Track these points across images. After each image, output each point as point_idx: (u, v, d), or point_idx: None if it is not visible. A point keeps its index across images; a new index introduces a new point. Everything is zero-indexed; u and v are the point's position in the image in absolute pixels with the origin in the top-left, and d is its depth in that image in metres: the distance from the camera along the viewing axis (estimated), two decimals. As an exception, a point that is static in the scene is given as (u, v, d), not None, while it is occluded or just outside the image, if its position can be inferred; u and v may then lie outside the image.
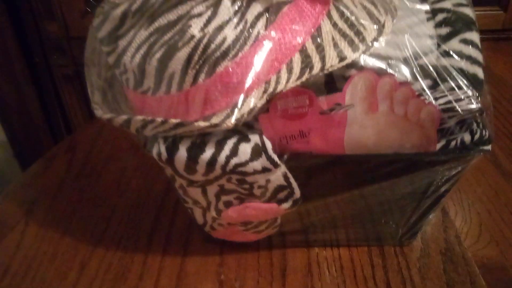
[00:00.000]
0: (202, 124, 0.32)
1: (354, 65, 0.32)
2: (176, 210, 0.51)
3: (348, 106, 0.31)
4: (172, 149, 0.33)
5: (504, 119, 0.68)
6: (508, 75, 0.85)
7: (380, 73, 0.32)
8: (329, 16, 0.34)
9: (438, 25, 0.35)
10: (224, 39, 0.31)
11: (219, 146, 0.33)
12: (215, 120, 0.33)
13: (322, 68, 0.32)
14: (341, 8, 0.34)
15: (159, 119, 0.32)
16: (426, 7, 0.36)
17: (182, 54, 0.31)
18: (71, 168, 0.59)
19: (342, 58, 0.31)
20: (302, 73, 0.32)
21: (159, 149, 0.34)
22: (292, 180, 0.34)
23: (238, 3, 0.32)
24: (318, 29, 0.33)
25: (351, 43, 0.32)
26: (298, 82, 0.31)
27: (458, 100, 0.32)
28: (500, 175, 0.55)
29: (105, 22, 0.32)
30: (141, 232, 0.48)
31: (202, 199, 0.37)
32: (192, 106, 0.34)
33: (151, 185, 0.55)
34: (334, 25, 0.33)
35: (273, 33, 0.32)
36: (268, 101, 0.32)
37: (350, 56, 0.31)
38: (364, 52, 0.31)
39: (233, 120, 0.31)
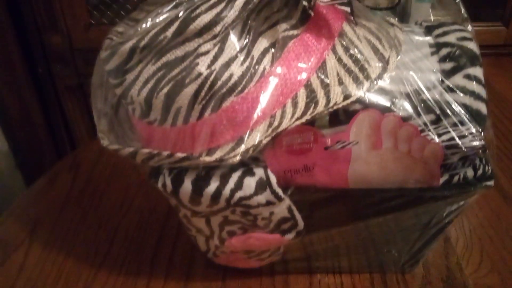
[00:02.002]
0: (207, 159, 0.32)
1: (358, 100, 0.32)
2: (179, 232, 0.51)
3: (352, 143, 0.32)
4: (177, 182, 0.34)
5: (505, 139, 0.68)
6: (509, 92, 0.85)
7: (384, 111, 0.32)
8: (334, 51, 0.34)
9: (442, 59, 0.35)
10: (231, 76, 0.31)
11: (224, 179, 0.33)
12: (220, 153, 0.33)
13: (327, 104, 0.32)
14: (346, 42, 0.34)
15: (165, 153, 0.33)
16: (430, 40, 0.37)
17: (189, 90, 0.31)
18: (74, 186, 0.59)
19: (346, 96, 0.32)
20: (307, 107, 0.32)
21: (164, 181, 0.34)
22: (296, 212, 0.35)
23: (245, 39, 0.33)
24: (323, 64, 0.34)
25: (355, 79, 0.33)
26: (303, 120, 0.31)
27: (462, 136, 0.33)
28: (502, 199, 0.55)
29: (113, 56, 0.33)
30: (144, 255, 0.48)
31: (206, 229, 0.38)
32: (198, 139, 0.34)
33: (154, 205, 0.55)
34: (339, 60, 0.34)
35: (278, 69, 0.33)
36: (273, 137, 0.32)
37: (355, 93, 0.32)
38: (368, 90, 0.32)
39: (238, 157, 0.31)
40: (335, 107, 0.31)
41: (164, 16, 0.34)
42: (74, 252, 0.49)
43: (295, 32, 0.34)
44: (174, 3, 0.35)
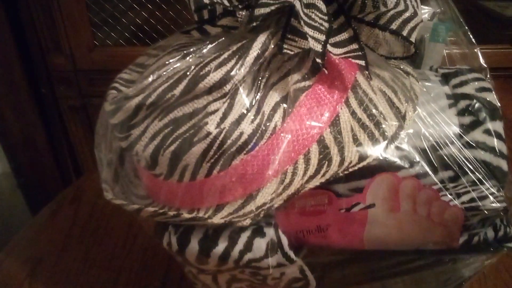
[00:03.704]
0: (216, 221, 0.31)
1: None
2: (184, 275, 0.49)
3: (369, 206, 0.30)
4: (183, 241, 0.32)
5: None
6: (520, 117, 0.83)
7: (400, 170, 0.31)
8: (348, 104, 0.33)
9: (461, 113, 0.34)
10: (241, 134, 0.30)
11: (233, 240, 0.32)
12: (228, 210, 0.32)
13: (342, 163, 0.31)
14: (360, 95, 0.33)
15: (171, 213, 0.31)
16: (447, 90, 0.35)
17: (197, 149, 0.30)
18: (76, 221, 0.58)
19: (362, 157, 0.30)
20: (320, 165, 0.31)
21: (170, 239, 0.33)
22: (308, 272, 0.33)
23: (255, 93, 0.31)
24: (337, 119, 0.32)
25: (371, 136, 0.31)
26: (317, 183, 0.30)
27: (482, 197, 0.31)
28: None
29: (118, 111, 0.31)
30: (148, 299, 0.47)
31: (213, 285, 0.36)
32: (205, 196, 0.32)
33: (158, 244, 0.53)
34: (353, 114, 0.32)
35: (290, 125, 0.31)
36: (286, 200, 0.30)
37: (371, 154, 0.30)
38: (385, 150, 0.30)
39: (248, 220, 0.30)
40: (350, 169, 0.30)
41: (172, 68, 0.33)
42: (76, 295, 0.47)
43: (306, 83, 0.33)
44: (182, 53, 0.34)
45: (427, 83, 0.36)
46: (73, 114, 1.01)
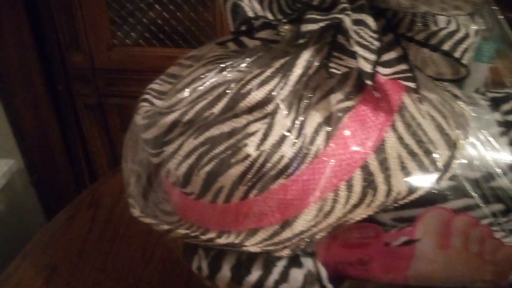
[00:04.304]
0: (252, 249, 0.29)
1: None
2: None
3: (417, 241, 0.28)
4: (214, 267, 0.31)
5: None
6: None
7: (451, 205, 0.29)
8: (394, 128, 0.31)
9: (513, 142, 0.32)
10: (282, 158, 0.28)
11: (267, 268, 0.30)
12: (262, 235, 0.30)
13: (388, 192, 0.29)
14: (407, 119, 0.31)
15: (204, 237, 0.30)
16: (498, 117, 0.33)
17: (234, 171, 0.28)
18: (94, 228, 0.56)
19: (412, 189, 0.28)
20: (364, 193, 0.29)
21: (200, 264, 0.31)
22: (344, 305, 0.31)
23: (295, 112, 0.30)
24: (382, 143, 0.30)
25: (421, 165, 0.29)
26: (364, 214, 0.28)
27: (537, 235, 0.29)
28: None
29: (151, 127, 0.30)
30: (167, 316, 0.45)
31: (242, 310, 0.34)
32: (238, 219, 0.31)
33: (176, 255, 0.52)
34: (400, 139, 0.30)
35: (333, 149, 0.29)
36: (330, 232, 0.29)
37: (422, 185, 0.28)
38: (437, 182, 0.28)
39: (287, 250, 0.28)
40: (400, 202, 0.28)
41: (209, 83, 0.31)
42: (93, 308, 0.46)
43: (349, 103, 0.31)
44: (219, 67, 0.32)
45: (476, 108, 0.34)
46: (89, 113, 1.00)
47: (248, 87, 0.28)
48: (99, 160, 1.07)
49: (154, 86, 0.35)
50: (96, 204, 0.60)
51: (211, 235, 0.31)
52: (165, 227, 0.31)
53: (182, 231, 0.30)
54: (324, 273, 0.29)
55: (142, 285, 0.48)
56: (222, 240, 0.29)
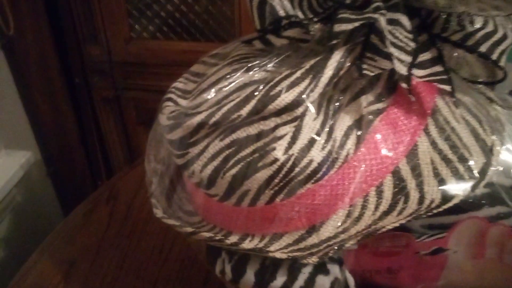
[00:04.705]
0: (278, 255, 0.28)
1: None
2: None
3: (450, 251, 0.27)
4: (238, 272, 0.30)
5: None
6: None
7: (484, 213, 0.27)
8: (427, 132, 0.30)
9: (552, 148, 0.30)
10: (310, 162, 0.27)
11: (293, 274, 0.29)
12: (287, 240, 0.30)
13: (421, 200, 0.28)
14: (441, 122, 0.30)
15: (228, 241, 0.29)
16: (536, 122, 0.32)
17: (261, 176, 0.28)
18: (112, 223, 0.56)
19: (446, 197, 0.27)
20: (395, 200, 0.28)
21: (223, 267, 0.31)
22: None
23: (324, 114, 0.29)
24: (414, 148, 0.29)
25: (455, 172, 0.28)
26: (396, 222, 0.27)
27: None
28: None
29: (176, 128, 0.29)
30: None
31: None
32: (263, 222, 0.30)
33: (195, 253, 0.52)
34: (433, 144, 0.29)
35: (363, 153, 0.28)
36: (360, 240, 0.28)
37: (457, 193, 0.27)
38: (473, 190, 0.27)
39: (315, 258, 0.27)
40: (434, 210, 0.27)
41: (235, 83, 0.30)
42: (111, 305, 0.46)
43: (380, 105, 0.30)
44: (245, 66, 0.31)
45: (509, 110, 0.32)
46: (106, 106, 1.00)
47: (278, 89, 0.27)
48: (115, 153, 1.07)
49: (178, 84, 0.34)
50: (114, 200, 0.60)
51: (234, 238, 0.31)
52: (189, 229, 0.30)
53: (206, 234, 0.30)
54: (352, 281, 0.29)
55: (160, 283, 0.48)
56: (246, 244, 0.29)
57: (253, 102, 0.27)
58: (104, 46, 0.92)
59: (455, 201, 0.26)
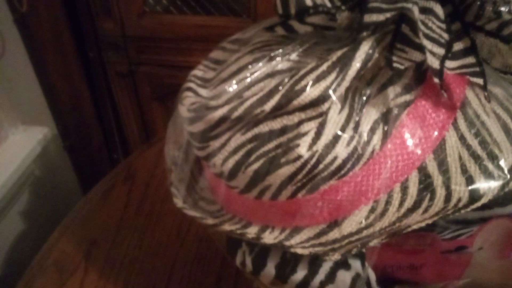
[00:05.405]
0: (300, 251, 0.28)
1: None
2: (239, 272, 0.48)
3: (475, 250, 0.27)
4: (259, 264, 0.30)
5: None
6: None
7: (509, 210, 0.27)
8: (456, 127, 0.28)
9: None
10: (335, 159, 0.27)
11: (313, 268, 0.29)
12: (308, 233, 0.29)
13: (448, 198, 0.27)
14: (470, 116, 0.29)
15: (250, 235, 0.29)
16: None
17: (284, 171, 0.27)
18: (130, 203, 0.57)
19: (474, 196, 0.26)
20: (420, 196, 0.27)
21: (244, 259, 0.31)
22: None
23: (349, 108, 0.28)
24: (442, 143, 0.28)
25: (484, 170, 0.27)
26: (422, 221, 0.26)
27: None
28: None
29: (197, 121, 0.29)
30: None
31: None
32: (284, 216, 0.30)
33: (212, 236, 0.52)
34: (462, 139, 0.28)
35: (390, 148, 0.28)
36: (385, 238, 0.27)
37: (485, 192, 0.26)
38: (502, 189, 0.26)
39: (337, 255, 0.27)
40: (462, 210, 0.26)
41: (258, 73, 0.29)
42: (131, 284, 0.47)
43: (408, 97, 0.29)
44: (268, 56, 0.30)
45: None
46: (120, 80, 1.00)
47: (303, 83, 0.26)
48: (130, 127, 1.07)
49: (197, 72, 0.33)
50: (132, 179, 0.61)
51: (254, 229, 0.31)
52: (210, 221, 0.30)
53: (228, 227, 0.29)
54: (373, 276, 0.28)
55: (179, 263, 0.49)
56: (266, 237, 0.29)
57: (277, 97, 0.26)
58: (118, 21, 0.91)
59: (483, 200, 0.26)
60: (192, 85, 0.32)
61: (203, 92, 0.32)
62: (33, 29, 0.90)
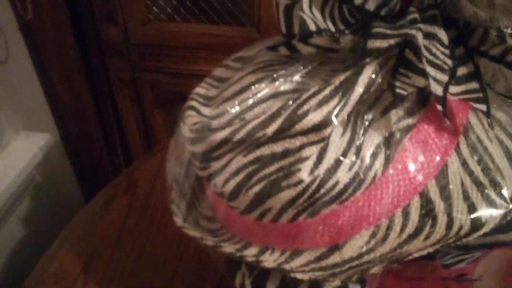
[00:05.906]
0: (299, 276, 0.28)
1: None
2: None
3: (476, 278, 0.26)
4: (258, 287, 0.30)
5: None
6: None
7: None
8: (458, 152, 0.28)
9: None
10: (336, 184, 0.27)
11: (314, 292, 0.29)
12: (308, 256, 0.29)
13: (449, 225, 0.27)
14: (473, 141, 0.29)
15: (249, 258, 0.29)
16: None
17: (285, 195, 0.27)
18: (131, 214, 0.57)
19: (476, 224, 0.26)
20: (421, 222, 0.27)
21: (243, 281, 0.31)
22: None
23: (351, 131, 0.27)
24: (444, 168, 0.28)
25: (486, 197, 0.27)
26: (423, 249, 0.26)
27: None
28: None
29: (199, 141, 0.28)
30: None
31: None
32: (284, 238, 0.30)
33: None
34: (464, 164, 0.28)
35: (392, 173, 0.27)
36: (385, 266, 0.27)
37: (487, 221, 0.26)
38: (504, 217, 0.26)
39: (336, 281, 0.27)
40: (463, 239, 0.26)
41: (261, 95, 0.29)
42: (130, 298, 0.47)
43: (410, 121, 0.28)
44: (271, 77, 0.30)
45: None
46: (123, 87, 1.00)
47: (305, 107, 0.26)
48: (132, 134, 1.07)
49: (200, 90, 0.33)
50: (133, 189, 0.60)
51: (253, 250, 0.31)
52: (210, 242, 0.30)
53: (228, 249, 0.29)
54: (373, 302, 0.28)
55: (178, 277, 0.49)
56: (266, 259, 0.28)
57: (279, 121, 0.26)
58: (121, 27, 0.91)
59: (485, 229, 0.26)
60: (194, 103, 0.32)
61: (205, 111, 0.32)
62: (37, 36, 0.90)
